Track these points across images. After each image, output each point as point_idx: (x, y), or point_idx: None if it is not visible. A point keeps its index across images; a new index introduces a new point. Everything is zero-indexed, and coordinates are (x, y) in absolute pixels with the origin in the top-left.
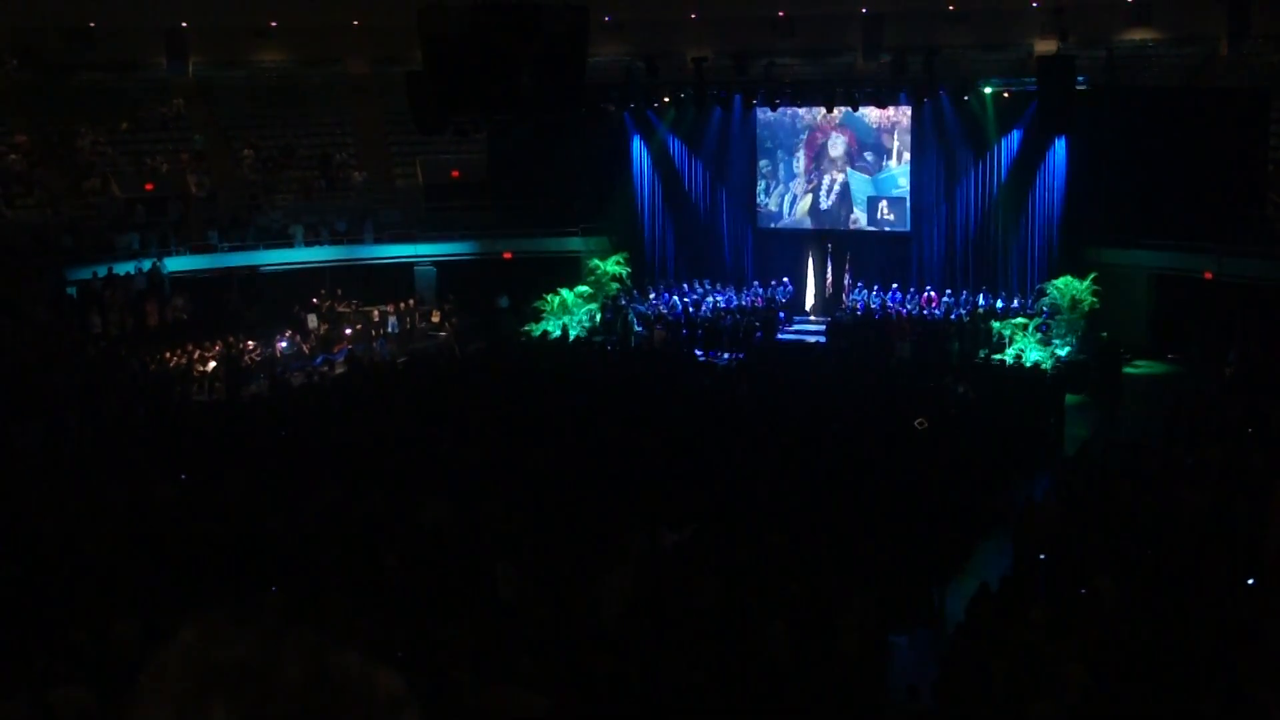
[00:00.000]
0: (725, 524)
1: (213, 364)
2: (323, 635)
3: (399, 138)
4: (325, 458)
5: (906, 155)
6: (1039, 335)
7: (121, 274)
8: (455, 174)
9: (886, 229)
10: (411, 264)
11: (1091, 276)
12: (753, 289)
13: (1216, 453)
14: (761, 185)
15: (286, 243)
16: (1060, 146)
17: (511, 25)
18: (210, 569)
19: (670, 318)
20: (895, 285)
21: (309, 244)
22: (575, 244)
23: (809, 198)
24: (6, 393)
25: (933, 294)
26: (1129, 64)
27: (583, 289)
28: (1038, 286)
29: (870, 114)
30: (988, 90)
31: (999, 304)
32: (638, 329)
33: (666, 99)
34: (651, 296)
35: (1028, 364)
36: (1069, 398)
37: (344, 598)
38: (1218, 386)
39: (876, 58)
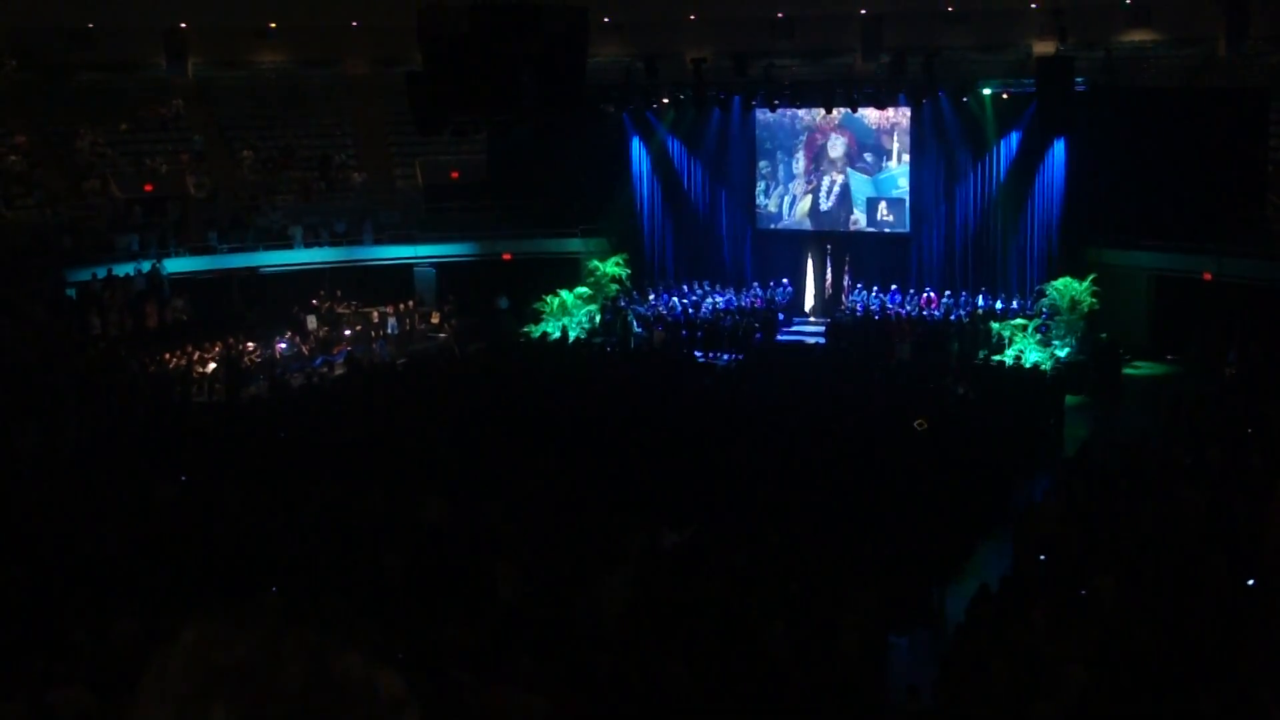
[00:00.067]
0: (725, 524)
1: (212, 365)
2: (323, 636)
3: (399, 138)
4: (325, 458)
5: (906, 156)
6: (1039, 336)
7: (121, 275)
8: (455, 175)
9: (886, 230)
10: (411, 265)
11: (1091, 277)
12: (752, 290)
13: (1216, 453)
14: (761, 186)
15: (286, 244)
16: (1059, 147)
17: (511, 26)
18: (210, 569)
19: (670, 319)
20: (895, 286)
21: (308, 245)
22: (575, 245)
23: (808, 199)
24: (6, 393)
25: (932, 295)
26: (1128, 65)
27: (582, 290)
28: (1037, 287)
29: (870, 115)
30: (987, 91)
31: (998, 305)
32: (637, 330)
33: (666, 100)
34: (651, 298)
35: (1027, 365)
36: (1069, 398)
37: (344, 598)
38: (1217, 387)
39: (876, 59)
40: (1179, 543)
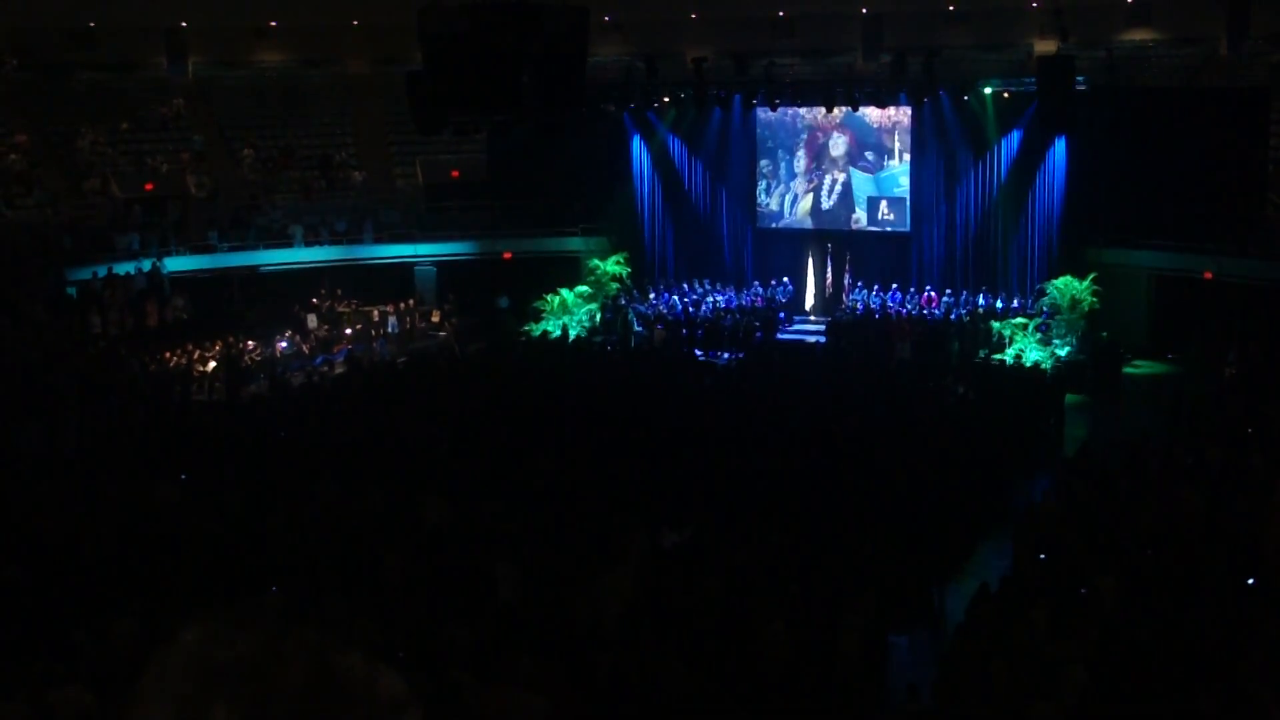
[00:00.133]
0: (725, 524)
1: (212, 364)
2: (323, 636)
3: (399, 138)
4: (325, 458)
5: (907, 155)
6: (1039, 335)
7: (121, 274)
8: (455, 174)
9: (887, 229)
10: (411, 264)
11: (1091, 276)
12: (753, 289)
13: (1216, 453)
14: (762, 185)
15: (286, 243)
16: (1060, 147)
17: (511, 25)
18: (210, 569)
19: (670, 318)
20: (895, 285)
21: (309, 244)
22: (575, 244)
23: (810, 197)
24: (6, 393)
25: (933, 294)
26: (1129, 64)
27: (583, 289)
28: (1037, 286)
29: (871, 114)
30: (988, 90)
31: (999, 304)
32: (638, 329)
33: (666, 99)
34: (651, 296)
35: (1028, 364)
36: (1069, 398)
37: (344, 598)
38: (1217, 387)
39: (876, 58)
40: (1179, 543)
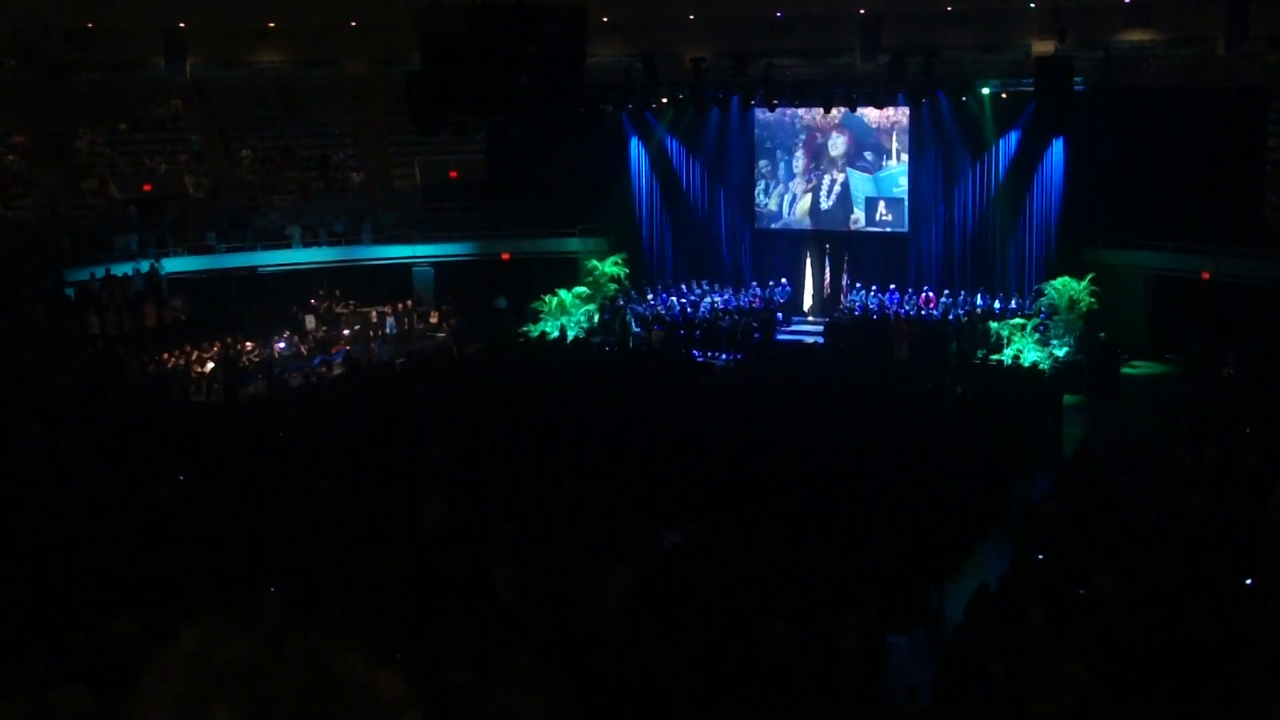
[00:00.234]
0: (725, 524)
1: (211, 365)
2: (323, 636)
3: (397, 138)
4: (324, 458)
5: (905, 155)
6: (1037, 336)
7: (119, 275)
8: (453, 175)
9: (885, 229)
10: (409, 265)
11: (1089, 277)
12: (751, 290)
13: (1215, 453)
14: (761, 185)
15: (284, 244)
16: (1058, 147)
17: (510, 25)
18: (210, 569)
19: (668, 318)
20: (893, 286)
21: (307, 245)
22: (573, 245)
23: (808, 197)
24: (6, 393)
25: (931, 294)
26: (1127, 65)
27: (581, 290)
28: (1035, 287)
29: (869, 114)
30: (986, 91)
31: (997, 304)
32: (636, 330)
33: (665, 99)
34: (650, 297)
35: (1026, 364)
36: (1067, 398)
37: (344, 598)
38: (1216, 387)
39: (875, 58)
40: (1179, 543)
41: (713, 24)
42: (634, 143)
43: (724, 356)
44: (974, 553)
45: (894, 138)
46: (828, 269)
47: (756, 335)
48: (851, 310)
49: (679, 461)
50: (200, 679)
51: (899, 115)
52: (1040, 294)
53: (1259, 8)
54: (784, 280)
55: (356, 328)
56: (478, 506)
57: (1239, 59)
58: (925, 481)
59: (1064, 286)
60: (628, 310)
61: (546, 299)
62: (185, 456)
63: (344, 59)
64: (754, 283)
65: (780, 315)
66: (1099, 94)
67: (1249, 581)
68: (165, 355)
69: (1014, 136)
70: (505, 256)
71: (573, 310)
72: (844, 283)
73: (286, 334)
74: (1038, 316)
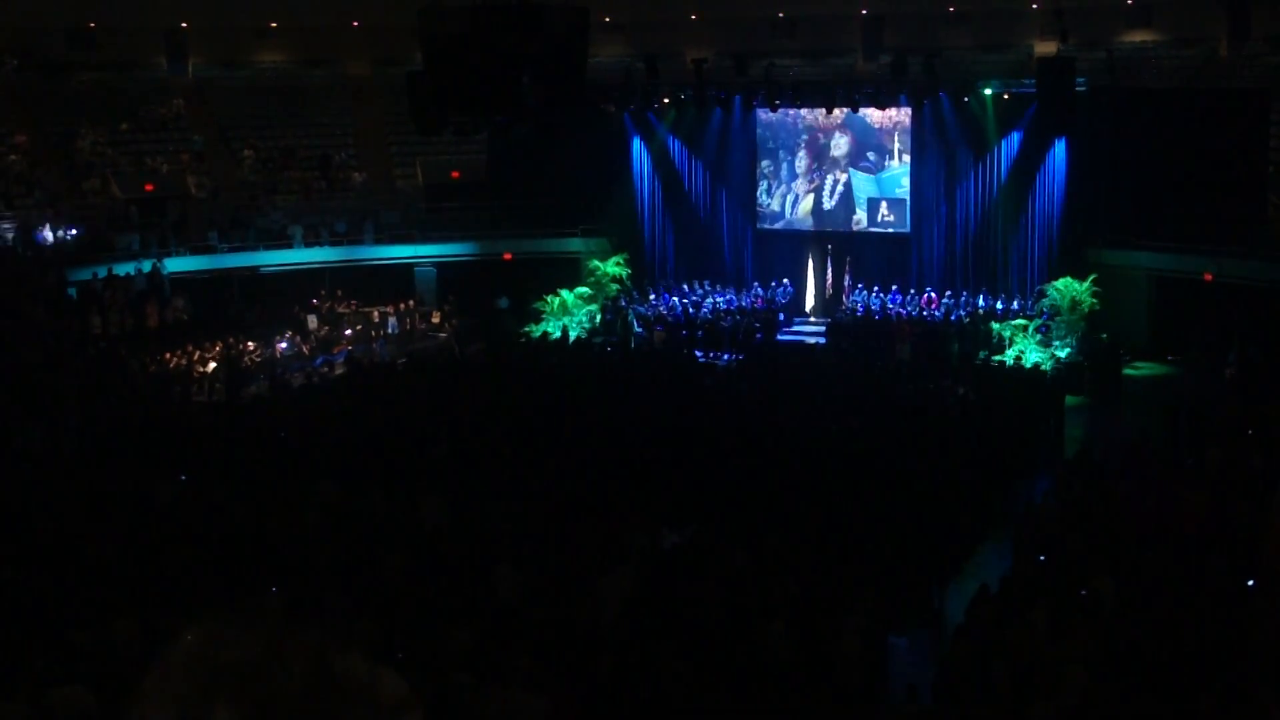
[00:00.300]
0: (725, 524)
1: (212, 365)
2: (324, 636)
3: (399, 138)
4: (325, 458)
5: (907, 156)
6: (1039, 337)
7: (121, 275)
8: (455, 175)
9: (887, 230)
10: (411, 265)
11: (1091, 278)
12: (753, 290)
13: (1216, 454)
14: (763, 185)
15: (286, 244)
16: (1060, 148)
17: (511, 25)
18: (210, 569)
19: (670, 319)
20: (895, 286)
21: (309, 245)
22: (575, 245)
23: (811, 198)
24: (6, 393)
25: (933, 295)
26: (1129, 65)
27: (583, 290)
28: (1038, 288)
29: (872, 114)
30: (988, 92)
31: (999, 305)
32: (638, 330)
33: (666, 100)
34: (651, 297)
35: (1028, 365)
36: (1069, 399)
37: (344, 598)
38: (1217, 388)
39: (877, 59)
40: (1179, 543)
41: (715, 24)
42: (636, 143)
43: (726, 357)
44: (975, 553)
45: (896, 138)
46: (830, 269)
47: (758, 336)
48: (853, 311)
49: (680, 462)
50: (201, 679)
51: (901, 116)
52: (1042, 295)
53: (1261, 9)
54: (786, 281)
55: (358, 328)
56: (478, 506)
57: (1241, 60)
58: (927, 482)
59: (1066, 287)
60: (629, 310)
61: (548, 299)
62: (187, 456)
63: (345, 59)
64: (756, 283)
65: (782, 316)
66: (1101, 95)
67: (1250, 583)
68: (167, 355)
69: (1016, 137)
70: (507, 256)
71: (574, 310)
72: (846, 283)
73: (288, 334)
74: (1040, 317)
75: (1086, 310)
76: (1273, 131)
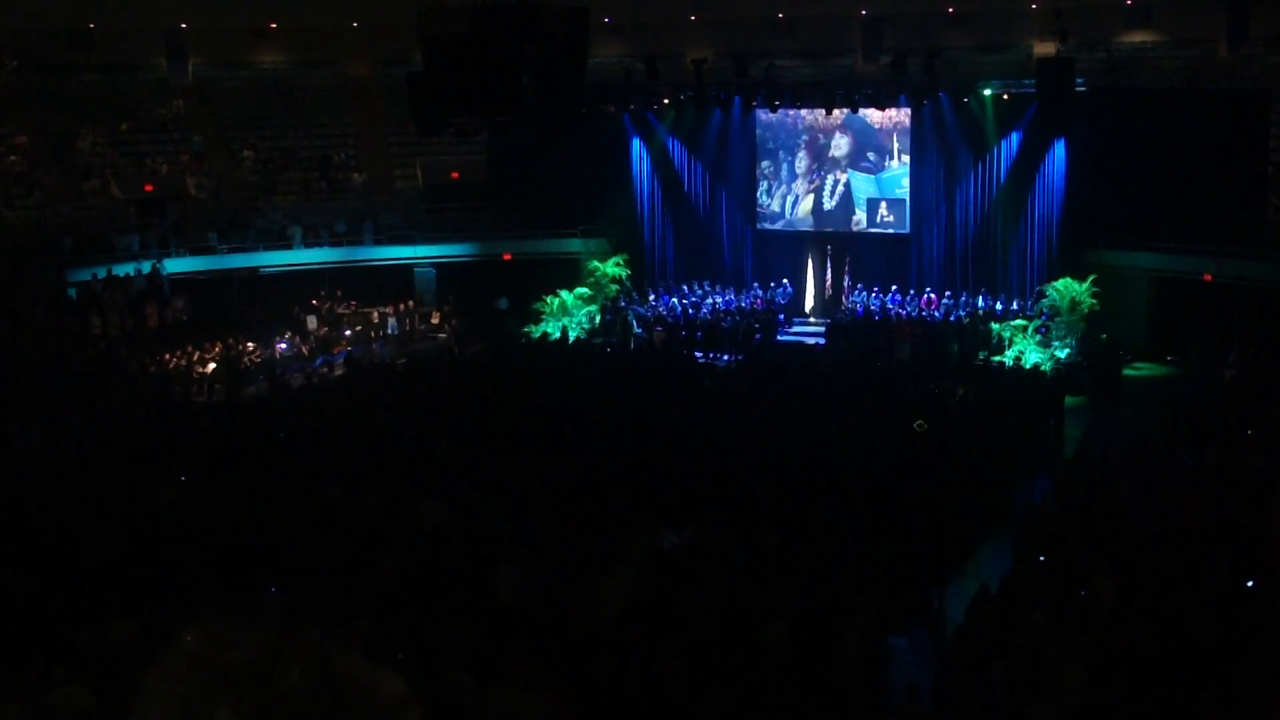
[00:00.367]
0: (726, 525)
1: (212, 365)
2: (324, 637)
3: (399, 139)
4: (325, 458)
5: (907, 157)
6: (1038, 337)
7: (121, 275)
8: (455, 175)
9: (887, 230)
10: (411, 265)
11: (1091, 278)
12: (752, 291)
13: (1216, 455)
14: (763, 186)
15: (286, 244)
16: (1060, 148)
17: (511, 26)
18: (210, 569)
19: (670, 319)
20: (895, 287)
21: (308, 245)
22: (575, 245)
23: (811, 198)
24: (6, 393)
25: (932, 296)
26: (1129, 66)
27: (582, 291)
28: (1037, 288)
29: (872, 115)
30: (987, 92)
31: (999, 306)
32: (637, 331)
33: (666, 100)
34: (651, 298)
35: (1027, 366)
36: (1068, 400)
37: (344, 598)
38: (1217, 389)
39: (876, 59)
40: (1179, 543)
41: (714, 25)
42: (635, 143)
43: (725, 357)
44: (975, 553)
45: (895, 139)
46: (829, 270)
47: (758, 336)
48: (853, 311)
49: (680, 462)
50: (201, 680)
51: (901, 116)
52: (1042, 295)
53: (1261, 9)
54: (785, 281)
55: (358, 328)
56: (478, 507)
57: (1241, 60)
58: (927, 482)
59: (1065, 288)
60: (629, 311)
61: (548, 300)
62: (187, 457)
63: (345, 59)
64: (755, 284)
65: (782, 316)
66: (1100, 95)
67: (1250, 583)
68: (167, 355)
69: (1015, 138)
70: (507, 257)
71: (574, 311)
72: (845, 284)
73: (288, 334)
74: (1039, 318)
75: (1086, 311)
76: (1272, 132)
